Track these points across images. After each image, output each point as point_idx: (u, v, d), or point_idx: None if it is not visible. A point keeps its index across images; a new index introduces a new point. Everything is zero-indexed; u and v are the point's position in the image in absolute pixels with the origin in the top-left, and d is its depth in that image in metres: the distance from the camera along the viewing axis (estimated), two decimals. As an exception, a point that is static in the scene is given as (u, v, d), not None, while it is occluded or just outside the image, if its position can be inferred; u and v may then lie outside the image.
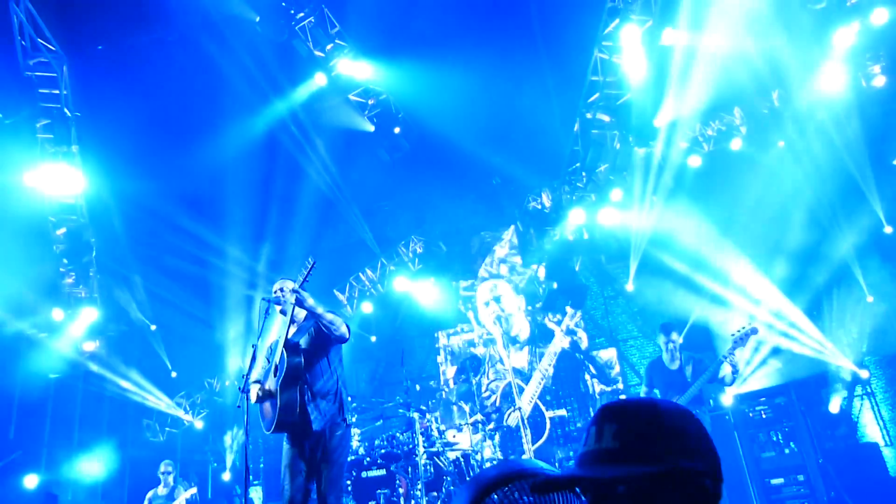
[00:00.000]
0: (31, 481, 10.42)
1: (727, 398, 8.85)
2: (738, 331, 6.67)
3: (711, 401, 8.34)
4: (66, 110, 9.33)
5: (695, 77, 9.55)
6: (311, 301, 4.65)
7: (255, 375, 4.86)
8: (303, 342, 4.80)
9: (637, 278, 11.53)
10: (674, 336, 7.32)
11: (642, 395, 7.33)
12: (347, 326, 4.77)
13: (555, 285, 12.00)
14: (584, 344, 11.67)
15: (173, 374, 13.22)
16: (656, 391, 7.23)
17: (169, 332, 13.22)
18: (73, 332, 11.00)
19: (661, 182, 10.77)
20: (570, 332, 11.50)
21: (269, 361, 4.84)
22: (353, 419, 8.69)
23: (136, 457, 12.20)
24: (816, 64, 9.33)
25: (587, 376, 11.52)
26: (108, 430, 12.30)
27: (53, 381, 11.43)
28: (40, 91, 9.21)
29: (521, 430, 8.58)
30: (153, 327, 12.98)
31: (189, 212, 11.91)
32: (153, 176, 11.32)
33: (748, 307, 10.15)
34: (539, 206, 12.13)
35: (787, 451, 8.24)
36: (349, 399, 7.62)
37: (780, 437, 8.34)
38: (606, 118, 9.89)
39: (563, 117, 10.86)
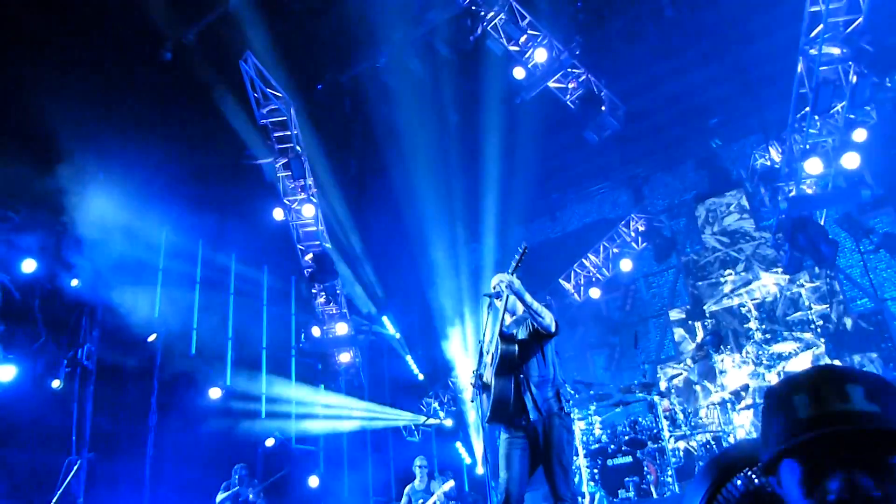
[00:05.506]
0: (313, 481, 11.77)
1: None
2: None
3: None
4: (297, 147, 10.43)
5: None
6: (519, 287, 4.65)
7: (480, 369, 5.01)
8: (519, 333, 4.85)
9: (902, 225, 10.02)
10: None
11: None
12: (556, 321, 4.72)
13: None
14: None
15: (420, 377, 14.11)
16: None
17: (411, 339, 14.15)
18: (331, 345, 12.23)
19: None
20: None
21: (488, 353, 4.96)
22: (592, 409, 8.60)
23: (398, 455, 13.17)
24: None
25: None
26: (372, 434, 13.41)
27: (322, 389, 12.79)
28: (275, 135, 10.41)
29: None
30: (397, 335, 13.99)
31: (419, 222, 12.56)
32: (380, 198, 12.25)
33: None
34: (768, 163, 11.06)
35: None
36: (570, 392, 7.44)
37: None
38: (836, 51, 8.74)
39: (783, 60, 9.79)
